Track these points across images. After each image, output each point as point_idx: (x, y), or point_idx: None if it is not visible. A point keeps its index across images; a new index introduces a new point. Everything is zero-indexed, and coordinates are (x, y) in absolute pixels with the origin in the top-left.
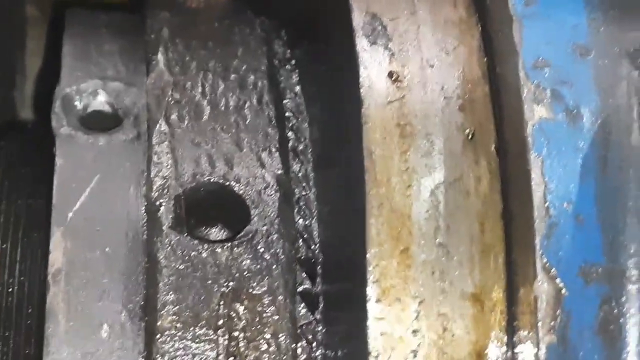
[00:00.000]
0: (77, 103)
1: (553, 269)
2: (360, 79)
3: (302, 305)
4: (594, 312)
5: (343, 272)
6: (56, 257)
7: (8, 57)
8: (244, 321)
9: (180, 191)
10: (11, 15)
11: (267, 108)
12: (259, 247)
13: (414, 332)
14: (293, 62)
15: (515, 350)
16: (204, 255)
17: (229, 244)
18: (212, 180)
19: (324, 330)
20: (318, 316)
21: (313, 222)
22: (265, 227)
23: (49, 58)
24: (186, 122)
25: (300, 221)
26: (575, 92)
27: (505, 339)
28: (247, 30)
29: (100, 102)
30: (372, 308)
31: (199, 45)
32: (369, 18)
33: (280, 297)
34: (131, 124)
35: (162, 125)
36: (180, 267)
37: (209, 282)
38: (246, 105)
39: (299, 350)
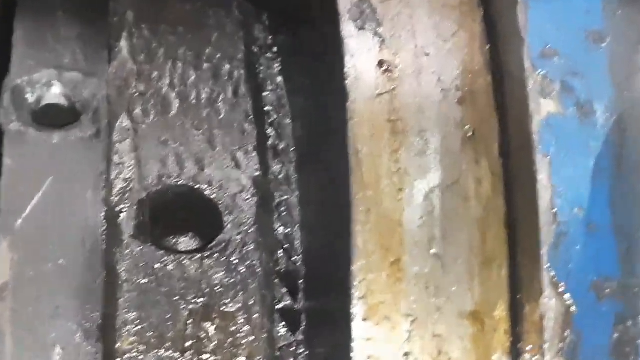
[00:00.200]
0: (28, 96)
1: (562, 284)
2: (346, 69)
3: (282, 324)
4: (608, 332)
5: (328, 286)
6: (2, 270)
7: None
8: (215, 342)
9: (144, 195)
10: None
11: (244, 101)
12: (232, 259)
13: (406, 355)
14: (274, 49)
15: None
16: (171, 267)
17: (199, 255)
18: (180, 183)
19: (306, 353)
20: (299, 337)
21: (295, 230)
22: (240, 236)
23: None
24: (152, 117)
25: (281, 229)
26: (588, 84)
27: None
28: (223, 14)
29: (55, 94)
30: (358, 327)
31: (168, 30)
32: (356, 0)
33: (256, 315)
34: (90, 119)
35: (124, 121)
36: (143, 281)
37: (176, 298)
38: (220, 98)
39: None
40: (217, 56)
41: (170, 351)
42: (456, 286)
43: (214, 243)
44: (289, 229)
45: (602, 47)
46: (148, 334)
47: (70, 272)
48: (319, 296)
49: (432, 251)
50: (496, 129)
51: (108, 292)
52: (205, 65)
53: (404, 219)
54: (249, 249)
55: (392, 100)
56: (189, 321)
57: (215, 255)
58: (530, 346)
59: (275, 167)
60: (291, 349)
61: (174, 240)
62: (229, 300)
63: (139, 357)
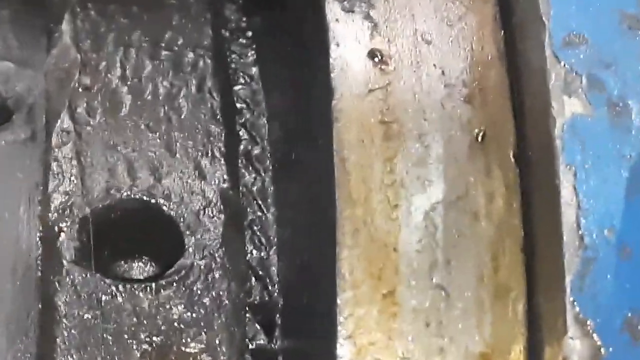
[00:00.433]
0: None
1: (589, 321)
2: (331, 60)
3: None
4: None
5: (309, 323)
6: None
7: None
8: None
9: (87, 212)
10: None
11: (211, 97)
12: (195, 288)
13: None
14: (248, 34)
15: None
16: (120, 299)
17: (155, 285)
18: (132, 197)
19: None
20: None
21: (271, 254)
22: (204, 261)
23: None
24: (98, 116)
25: (254, 252)
26: (621, 79)
27: None
28: None
29: None
30: None
31: (119, 10)
32: None
33: (223, 358)
34: (23, 119)
35: (65, 121)
36: (86, 315)
37: (126, 336)
38: (182, 94)
39: None
40: (179, 42)
41: None
42: (462, 323)
43: (172, 269)
44: (264, 253)
45: None
46: None
47: None
48: (298, 334)
49: (434, 281)
50: (511, 133)
51: (44, 329)
52: (164, 54)
53: (400, 241)
54: (215, 276)
55: (386, 97)
56: None
57: (174, 284)
58: None
59: (248, 178)
60: None
61: (124, 267)
62: (190, 339)
63: None
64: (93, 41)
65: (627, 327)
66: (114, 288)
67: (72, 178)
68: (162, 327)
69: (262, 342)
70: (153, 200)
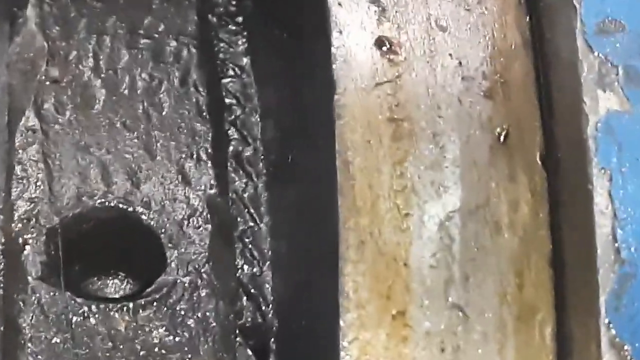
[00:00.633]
0: None
1: (626, 346)
2: (333, 49)
3: None
4: None
5: (308, 348)
6: None
7: None
8: None
9: (56, 221)
10: None
11: (196, 92)
12: (178, 309)
13: None
14: (239, 20)
15: None
16: (93, 321)
17: (132, 305)
18: (107, 205)
19: None
20: None
21: (264, 269)
22: (188, 278)
23: None
24: (68, 113)
25: (245, 268)
26: None
27: None
28: None
29: None
30: None
31: None
32: None
33: None
34: None
35: (30, 119)
36: (55, 339)
37: None
38: (163, 88)
39: None
40: (160, 29)
41: None
42: (482, 348)
43: (152, 287)
44: (256, 268)
45: None
46: None
47: None
48: None
49: (450, 300)
50: (537, 133)
51: (7, 354)
52: (143, 42)
53: (411, 255)
54: (201, 295)
55: (395, 92)
56: None
57: (155, 304)
58: None
59: (238, 183)
60: None
61: (98, 284)
62: None
63: None
64: (62, 28)
65: None
66: (86, 308)
67: (39, 183)
68: (141, 353)
69: None
70: (130, 209)
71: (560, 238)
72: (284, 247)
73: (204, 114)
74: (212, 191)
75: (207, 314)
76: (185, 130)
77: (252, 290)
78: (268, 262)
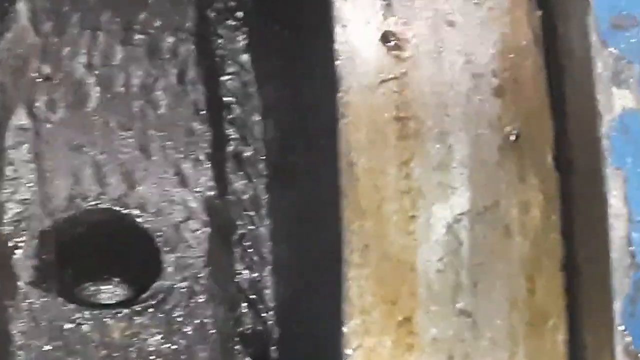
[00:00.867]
0: None
1: None
2: (336, 45)
3: None
4: None
5: (310, 356)
6: None
7: None
8: None
9: (48, 224)
10: None
11: (194, 90)
12: (175, 315)
13: None
14: (238, 15)
15: None
16: (87, 328)
17: (128, 311)
18: (101, 207)
19: None
20: None
21: (264, 274)
22: (185, 283)
23: None
24: (61, 112)
25: (245, 273)
26: None
27: None
28: None
29: None
30: None
31: None
32: None
33: None
34: None
35: (21, 118)
36: (46, 347)
37: None
38: (159, 86)
39: None
40: (156, 24)
41: None
42: (492, 356)
43: (148, 293)
44: (257, 274)
45: None
46: None
47: None
48: None
49: (458, 306)
50: (550, 132)
51: None
52: (139, 38)
53: (418, 259)
54: (199, 301)
55: (401, 90)
56: None
57: (151, 310)
58: None
59: (238, 185)
60: None
61: (92, 290)
62: None
63: None
64: (55, 23)
65: None
66: (79, 315)
67: (30, 184)
68: None
69: None
70: (125, 211)
71: (573, 242)
72: (285, 251)
73: (202, 112)
74: (211, 193)
75: (205, 320)
76: (182, 130)
77: (252, 296)
78: (268, 267)
